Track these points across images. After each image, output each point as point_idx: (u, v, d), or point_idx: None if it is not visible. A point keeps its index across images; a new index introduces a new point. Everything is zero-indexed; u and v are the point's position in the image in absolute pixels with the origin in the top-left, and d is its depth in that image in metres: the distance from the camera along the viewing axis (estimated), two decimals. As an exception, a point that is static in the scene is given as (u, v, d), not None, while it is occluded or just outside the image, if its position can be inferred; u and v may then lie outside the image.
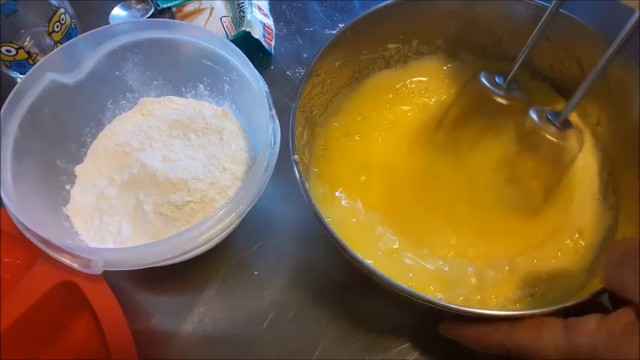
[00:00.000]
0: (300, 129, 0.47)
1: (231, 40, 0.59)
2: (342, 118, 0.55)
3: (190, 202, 0.48)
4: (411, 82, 0.58)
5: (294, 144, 0.44)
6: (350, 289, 0.51)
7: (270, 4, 0.72)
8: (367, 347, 0.49)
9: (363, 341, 0.49)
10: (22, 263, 0.50)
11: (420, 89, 0.57)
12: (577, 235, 0.48)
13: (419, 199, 0.51)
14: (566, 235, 0.49)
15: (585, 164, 0.52)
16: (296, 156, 0.44)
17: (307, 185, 0.44)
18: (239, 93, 0.55)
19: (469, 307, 0.39)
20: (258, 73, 0.50)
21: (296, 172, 0.43)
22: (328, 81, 0.52)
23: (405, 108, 0.57)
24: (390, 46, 0.55)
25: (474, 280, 0.46)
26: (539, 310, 0.37)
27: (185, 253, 0.44)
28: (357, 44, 0.53)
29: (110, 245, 0.48)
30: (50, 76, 0.49)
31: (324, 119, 0.53)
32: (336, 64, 0.52)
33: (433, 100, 0.57)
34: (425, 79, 0.58)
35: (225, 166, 0.51)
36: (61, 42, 0.59)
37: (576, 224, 0.49)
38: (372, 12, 0.51)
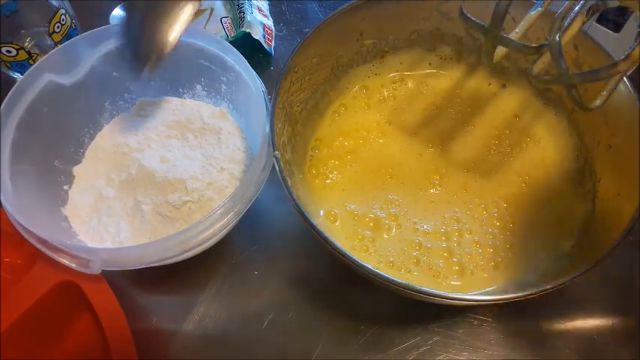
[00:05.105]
0: (280, 125, 0.48)
1: (232, 41, 0.59)
2: (323, 115, 0.56)
3: (188, 202, 0.48)
4: (389, 76, 0.59)
5: (274, 140, 0.45)
6: (349, 289, 0.51)
7: (270, 5, 0.72)
8: (367, 347, 0.49)
9: (363, 341, 0.49)
10: (23, 263, 0.50)
11: (397, 83, 0.59)
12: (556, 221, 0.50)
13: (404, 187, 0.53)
14: (544, 221, 0.50)
15: (561, 152, 0.53)
16: (277, 152, 0.44)
17: (290, 182, 0.44)
18: (236, 93, 0.54)
19: (465, 295, 0.40)
20: (255, 73, 0.50)
21: (277, 168, 0.44)
22: (307, 77, 0.52)
23: (384, 101, 0.58)
24: (367, 41, 0.56)
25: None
26: (522, 293, 0.38)
27: (183, 252, 0.44)
28: (333, 41, 0.53)
29: (108, 245, 0.48)
30: (48, 77, 0.49)
31: (305, 115, 0.54)
32: (314, 60, 0.52)
33: (411, 92, 0.58)
34: (402, 72, 0.59)
35: (223, 166, 0.51)
36: (61, 42, 0.59)
37: (555, 210, 0.50)
38: (346, 9, 0.51)
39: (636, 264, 0.52)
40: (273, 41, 0.68)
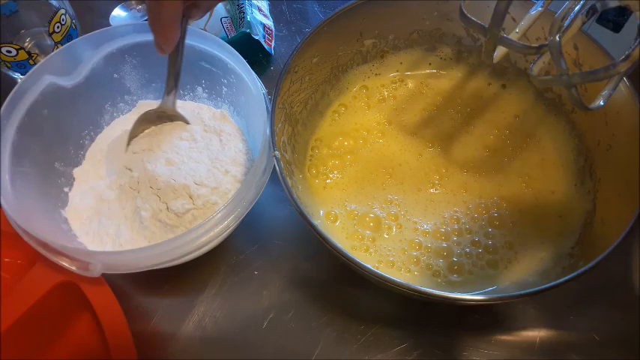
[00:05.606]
0: (280, 125, 0.48)
1: (232, 41, 0.59)
2: (323, 115, 0.56)
3: (192, 209, 0.47)
4: (389, 76, 0.59)
5: (274, 140, 0.45)
6: (349, 290, 0.51)
7: (270, 5, 0.72)
8: (367, 347, 0.49)
9: (363, 341, 0.49)
10: (23, 263, 0.50)
11: (397, 83, 0.59)
12: (557, 221, 0.50)
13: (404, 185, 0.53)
14: (544, 221, 0.50)
15: (561, 152, 0.53)
16: (277, 152, 0.44)
17: (290, 182, 0.44)
18: (237, 95, 0.54)
19: (465, 295, 0.40)
20: (255, 75, 0.50)
21: (277, 168, 0.44)
22: (307, 77, 0.52)
23: (384, 101, 0.58)
24: (367, 41, 0.56)
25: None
26: (522, 292, 0.38)
27: (183, 256, 0.43)
28: (334, 41, 0.53)
29: (108, 248, 0.48)
30: (48, 79, 0.49)
31: (305, 115, 0.54)
32: (314, 60, 0.52)
33: (411, 92, 0.58)
34: (402, 72, 0.59)
35: (228, 169, 0.50)
36: (61, 42, 0.59)
37: (555, 211, 0.50)
38: (346, 9, 0.51)
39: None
40: (273, 41, 0.68)
